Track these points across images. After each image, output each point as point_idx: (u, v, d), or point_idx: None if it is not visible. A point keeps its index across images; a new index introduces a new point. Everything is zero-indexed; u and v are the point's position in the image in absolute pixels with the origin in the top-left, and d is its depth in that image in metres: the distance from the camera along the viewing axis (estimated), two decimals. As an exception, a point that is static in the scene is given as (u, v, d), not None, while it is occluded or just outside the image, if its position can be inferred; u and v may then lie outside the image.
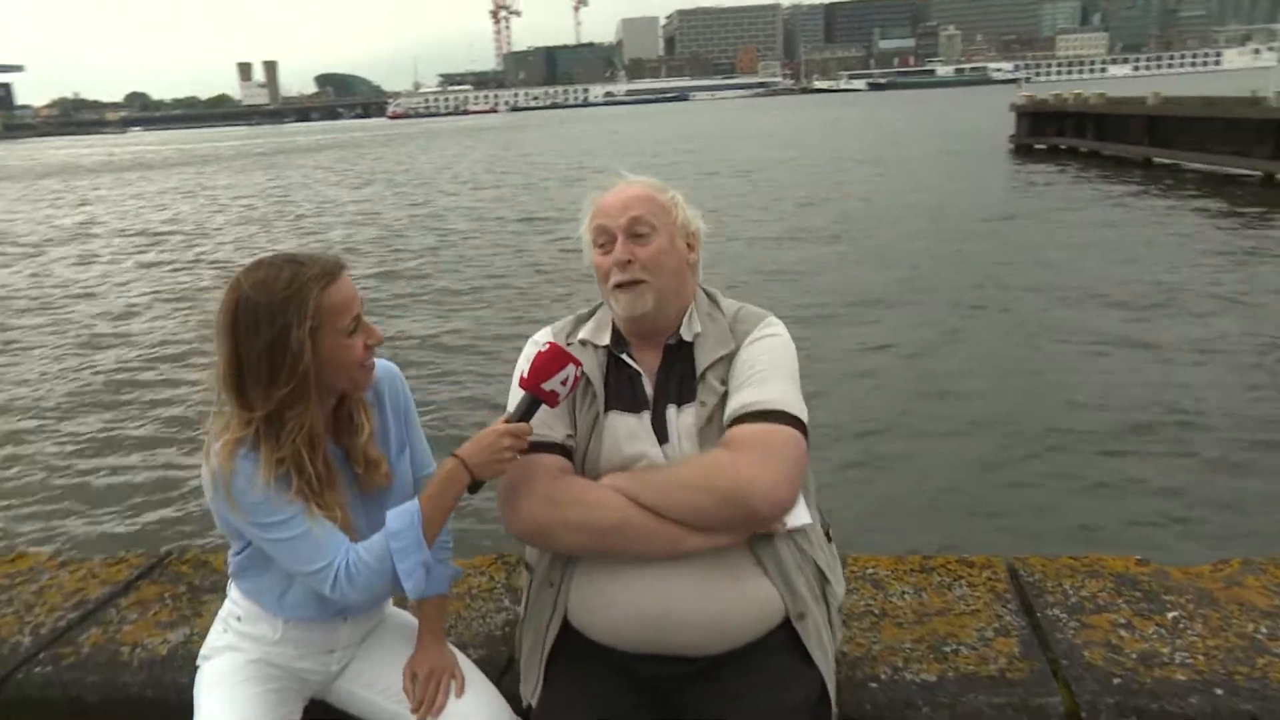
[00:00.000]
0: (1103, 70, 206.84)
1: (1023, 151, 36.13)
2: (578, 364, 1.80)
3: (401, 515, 1.74)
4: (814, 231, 20.08)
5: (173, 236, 24.96)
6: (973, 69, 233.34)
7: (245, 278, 1.69)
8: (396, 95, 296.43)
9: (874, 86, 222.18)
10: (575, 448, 1.89)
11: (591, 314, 2.05)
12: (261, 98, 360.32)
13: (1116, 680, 1.95)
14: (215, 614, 1.98)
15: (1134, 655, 2.03)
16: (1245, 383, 9.20)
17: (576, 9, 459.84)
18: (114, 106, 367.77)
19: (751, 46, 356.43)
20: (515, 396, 1.87)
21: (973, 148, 38.54)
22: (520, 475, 1.82)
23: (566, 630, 1.89)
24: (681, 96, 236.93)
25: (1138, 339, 10.88)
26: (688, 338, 1.91)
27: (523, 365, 1.94)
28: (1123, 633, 2.11)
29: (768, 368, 1.85)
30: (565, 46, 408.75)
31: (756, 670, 1.79)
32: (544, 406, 1.80)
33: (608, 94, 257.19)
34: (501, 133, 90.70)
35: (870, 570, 2.47)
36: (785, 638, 1.82)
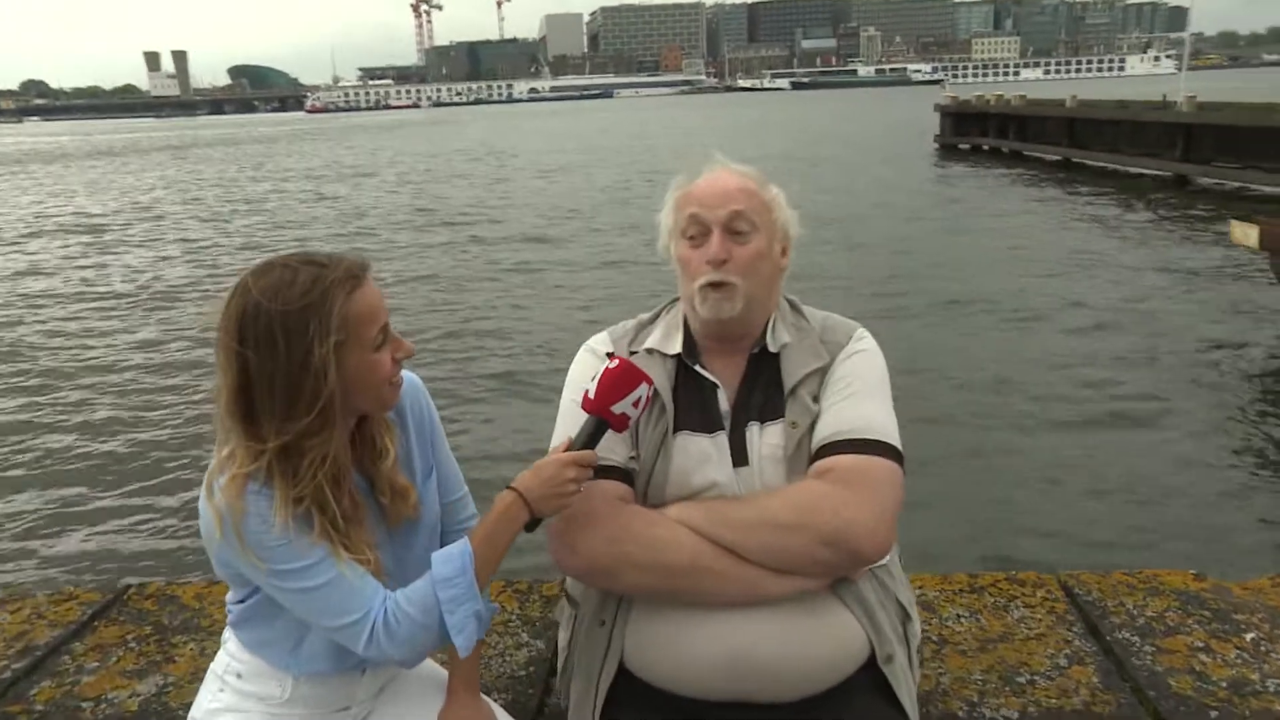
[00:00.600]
0: (1015, 74, 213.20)
1: (947, 151, 36.87)
2: (650, 382, 1.58)
3: (451, 559, 1.49)
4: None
5: (79, 233, 23.67)
6: (893, 70, 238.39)
7: (254, 282, 1.41)
8: (315, 89, 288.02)
9: (797, 86, 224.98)
10: (638, 471, 1.67)
11: (656, 317, 1.83)
12: (171, 89, 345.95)
13: (1214, 713, 1.82)
14: (190, 658, 1.72)
15: (1223, 684, 1.90)
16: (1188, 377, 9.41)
17: (499, 4, 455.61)
18: (8, 95, 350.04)
19: (675, 45, 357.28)
20: (570, 417, 1.65)
21: (903, 148, 39.15)
22: (577, 505, 1.59)
23: (622, 674, 1.67)
24: (606, 94, 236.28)
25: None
26: (773, 348, 1.70)
27: (576, 379, 1.72)
28: (1203, 658, 1.98)
29: (865, 389, 1.65)
30: (488, 42, 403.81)
31: (847, 716, 1.59)
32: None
33: (532, 90, 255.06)
34: (425, 128, 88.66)
35: (917, 591, 2.30)
36: (868, 681, 1.63)
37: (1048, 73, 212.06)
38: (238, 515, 1.41)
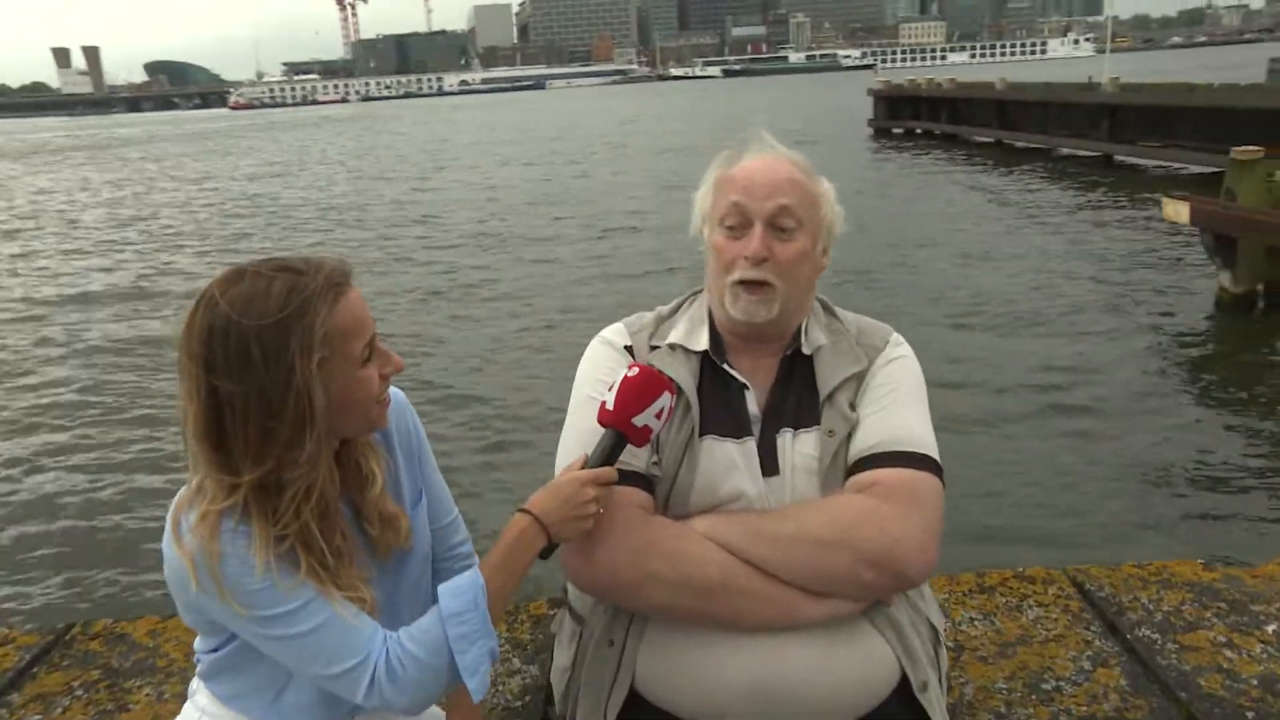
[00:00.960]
0: (943, 57, 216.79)
1: (881, 134, 37.30)
2: (674, 391, 1.44)
3: (461, 593, 1.33)
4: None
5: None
6: (823, 56, 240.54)
7: (222, 294, 1.23)
8: (238, 84, 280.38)
9: (729, 73, 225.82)
10: (660, 478, 1.53)
11: (676, 309, 1.68)
12: (84, 86, 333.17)
13: (1250, 714, 1.74)
14: (147, 705, 1.53)
15: (1254, 681, 1.83)
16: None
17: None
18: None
19: (606, 34, 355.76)
20: (583, 416, 1.51)
21: (839, 131, 39.46)
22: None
23: (631, 697, 1.54)
24: (538, 85, 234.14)
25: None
26: (807, 350, 1.57)
27: (590, 374, 1.60)
28: (1229, 654, 1.92)
29: (905, 398, 1.54)
30: (416, 34, 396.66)
31: None
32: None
33: (463, 83, 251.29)
34: (353, 123, 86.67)
35: (925, 595, 2.20)
36: (898, 707, 1.51)
37: (974, 56, 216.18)
38: (214, 559, 1.23)
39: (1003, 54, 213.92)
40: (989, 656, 1.97)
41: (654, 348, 1.61)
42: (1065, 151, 26.31)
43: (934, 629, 1.59)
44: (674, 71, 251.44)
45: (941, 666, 1.60)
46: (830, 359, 1.56)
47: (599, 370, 1.61)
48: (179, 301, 12.82)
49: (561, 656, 1.69)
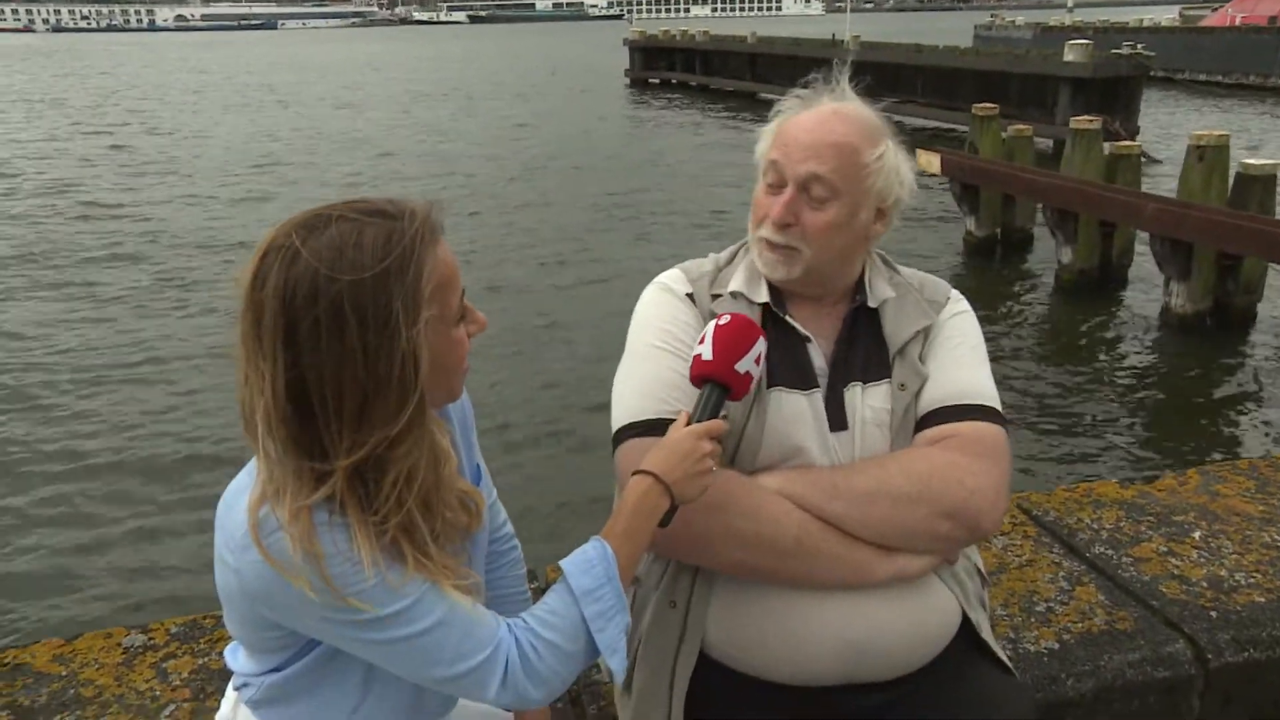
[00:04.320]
0: (686, 10, 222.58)
1: (639, 85, 37.93)
2: (764, 335, 1.38)
3: (591, 567, 1.20)
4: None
5: None
6: (569, 4, 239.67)
7: (303, 241, 1.02)
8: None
9: (474, 19, 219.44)
10: (728, 432, 1.45)
11: (733, 258, 1.61)
12: None
13: (1213, 613, 1.96)
14: None
15: (1204, 584, 2.06)
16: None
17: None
18: None
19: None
20: (653, 362, 1.47)
21: (598, 83, 39.66)
22: None
23: (700, 660, 1.49)
24: (269, 24, 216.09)
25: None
26: (872, 304, 1.54)
27: (653, 320, 1.53)
28: (1175, 561, 2.14)
29: (972, 353, 1.55)
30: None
31: (963, 687, 1.53)
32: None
33: (179, 18, 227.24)
34: (41, 59, 75.89)
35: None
36: (960, 650, 1.57)
37: (715, 10, 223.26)
38: (319, 560, 1.04)
39: (741, 10, 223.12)
40: (978, 587, 2.08)
41: (715, 296, 1.55)
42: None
43: (981, 573, 1.65)
44: (416, 15, 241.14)
45: (986, 606, 1.67)
46: (898, 313, 1.55)
47: (662, 318, 1.53)
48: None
49: None
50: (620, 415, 1.48)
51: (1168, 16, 48.94)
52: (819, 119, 1.48)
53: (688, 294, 1.56)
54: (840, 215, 1.46)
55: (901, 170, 1.50)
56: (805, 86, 1.54)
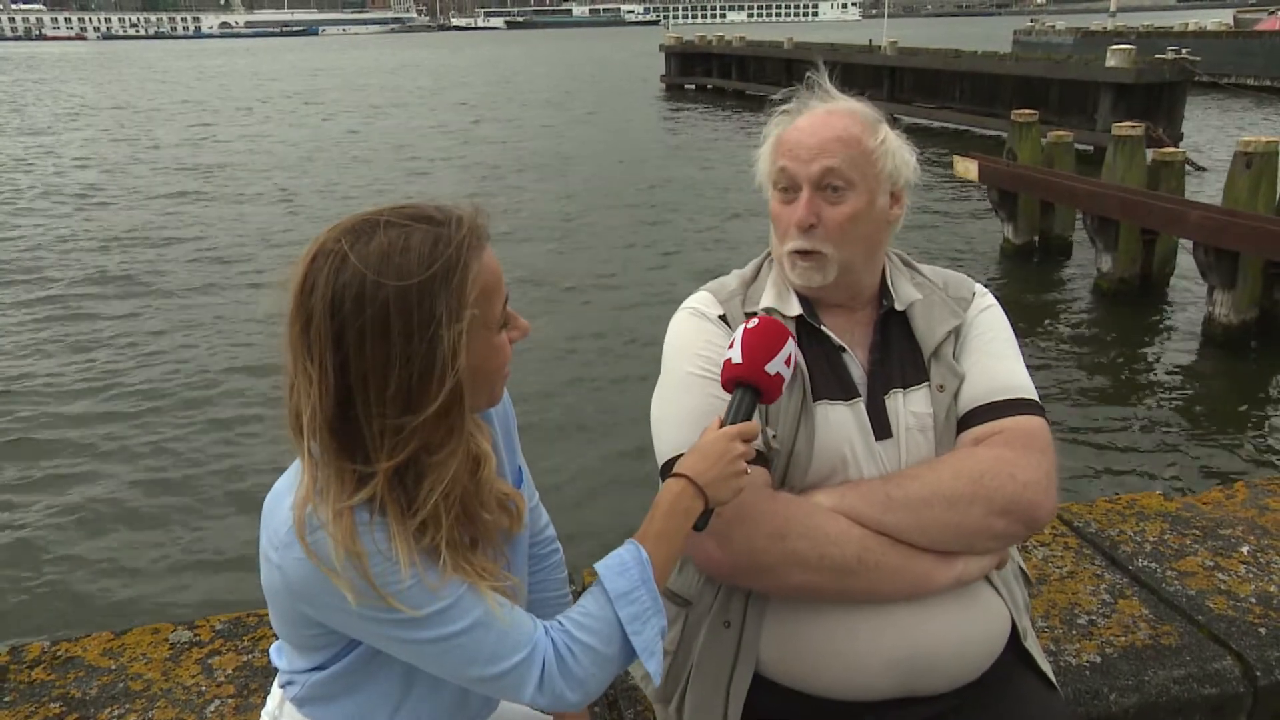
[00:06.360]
0: (722, 16, 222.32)
1: (674, 90, 37.96)
2: (793, 337, 1.39)
3: (626, 569, 1.21)
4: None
5: None
6: (606, 10, 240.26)
7: (351, 246, 1.05)
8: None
9: (512, 25, 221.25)
10: (777, 452, 1.46)
11: (757, 273, 1.61)
12: None
13: (1262, 630, 1.92)
14: None
15: (1253, 599, 2.02)
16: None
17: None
18: None
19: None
20: (691, 390, 1.47)
21: (633, 87, 39.72)
22: None
23: (755, 681, 1.49)
24: (310, 31, 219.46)
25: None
26: (899, 307, 1.54)
27: (687, 346, 1.53)
28: (1222, 576, 2.10)
29: (1006, 346, 1.54)
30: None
31: (1007, 702, 1.52)
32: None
33: (224, 25, 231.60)
34: (95, 68, 77.56)
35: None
36: (1011, 658, 1.56)
37: (751, 16, 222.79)
38: (361, 559, 1.07)
39: (777, 14, 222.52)
40: (1018, 599, 2.06)
41: (750, 314, 1.54)
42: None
43: (1025, 574, 1.64)
44: (455, 21, 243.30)
45: (1029, 611, 1.66)
46: (927, 314, 1.54)
47: (697, 345, 1.53)
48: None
49: None
50: (664, 449, 1.48)
51: (1213, 21, 48.02)
52: (817, 119, 1.49)
53: (720, 315, 1.56)
54: (860, 204, 1.47)
55: (904, 152, 1.53)
56: (787, 100, 1.55)
